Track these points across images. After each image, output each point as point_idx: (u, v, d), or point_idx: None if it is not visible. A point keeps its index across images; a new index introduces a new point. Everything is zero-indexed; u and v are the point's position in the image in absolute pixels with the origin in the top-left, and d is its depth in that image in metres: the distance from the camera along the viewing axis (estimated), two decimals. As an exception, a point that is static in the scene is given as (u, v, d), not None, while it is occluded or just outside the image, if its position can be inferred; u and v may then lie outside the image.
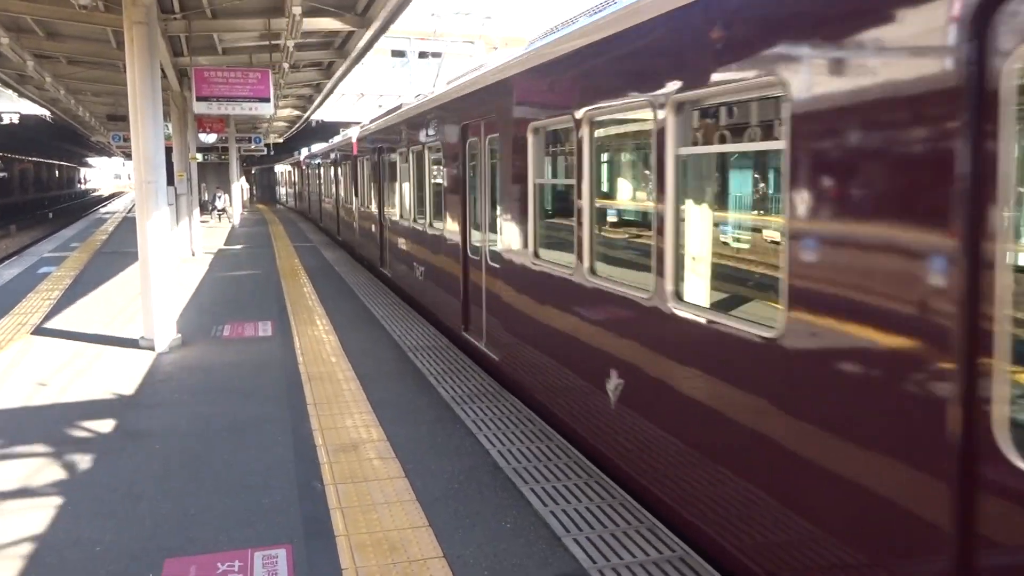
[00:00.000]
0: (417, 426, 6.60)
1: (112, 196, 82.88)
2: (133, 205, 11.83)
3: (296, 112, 31.15)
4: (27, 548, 4.55)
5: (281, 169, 54.68)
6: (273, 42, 14.60)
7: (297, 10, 11.29)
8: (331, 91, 23.25)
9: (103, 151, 64.55)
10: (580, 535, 4.60)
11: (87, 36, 14.75)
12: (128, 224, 29.62)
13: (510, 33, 38.70)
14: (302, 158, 37.46)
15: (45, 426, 6.73)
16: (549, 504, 5.02)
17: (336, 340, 9.94)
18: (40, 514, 5.00)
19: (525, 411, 6.93)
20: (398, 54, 46.75)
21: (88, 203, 66.75)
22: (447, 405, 7.14)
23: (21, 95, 23.55)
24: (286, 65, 16.19)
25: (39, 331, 10.68)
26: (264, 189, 65.31)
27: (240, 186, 37.48)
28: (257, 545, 4.52)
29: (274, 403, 7.29)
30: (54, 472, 5.72)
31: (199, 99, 13.68)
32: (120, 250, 20.83)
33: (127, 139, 32.84)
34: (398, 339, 9.92)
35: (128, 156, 57.39)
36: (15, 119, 38.96)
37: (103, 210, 50.08)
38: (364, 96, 43.06)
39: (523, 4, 73.58)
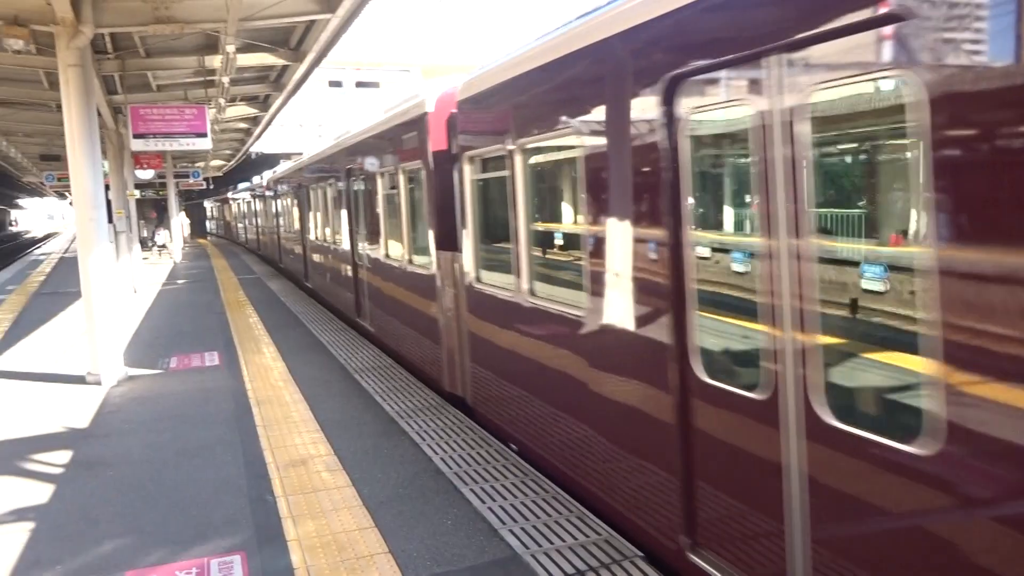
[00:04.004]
0: (363, 440, 6.94)
1: (46, 237, 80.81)
2: (70, 245, 11.80)
3: (235, 144, 31.17)
4: (-11, 572, 4.77)
5: (227, 201, 53.12)
6: (208, 78, 14.83)
7: (231, 48, 11.59)
8: (269, 123, 23.45)
9: (35, 191, 63.00)
10: (515, 526, 5.00)
11: (18, 78, 14.77)
12: (65, 265, 29.16)
13: (442, 61, 39.36)
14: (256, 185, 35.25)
15: (-3, 462, 6.88)
16: (487, 501, 5.41)
17: (283, 366, 10.19)
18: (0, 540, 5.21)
19: (467, 421, 7.32)
20: (335, 84, 46.99)
21: (21, 245, 64.96)
22: (392, 420, 7.49)
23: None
24: (222, 100, 16.41)
25: (-19, 373, 10.68)
26: (205, 224, 64.31)
27: (180, 222, 37.18)
28: (213, 554, 4.82)
29: (224, 427, 7.55)
30: (11, 502, 5.90)
31: (136, 136, 13.84)
32: (60, 290, 20.59)
33: (61, 178, 32.33)
34: (344, 362, 10.22)
35: (62, 195, 56.18)
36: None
37: (38, 252, 48.89)
38: (303, 126, 43.13)
39: (453, 31, 75.13)
